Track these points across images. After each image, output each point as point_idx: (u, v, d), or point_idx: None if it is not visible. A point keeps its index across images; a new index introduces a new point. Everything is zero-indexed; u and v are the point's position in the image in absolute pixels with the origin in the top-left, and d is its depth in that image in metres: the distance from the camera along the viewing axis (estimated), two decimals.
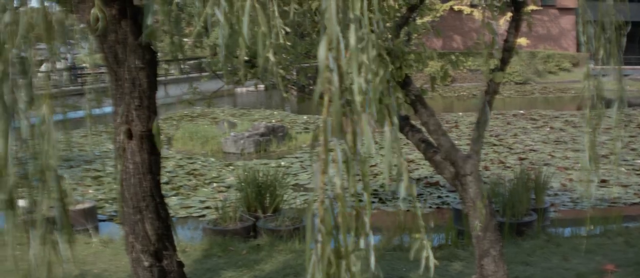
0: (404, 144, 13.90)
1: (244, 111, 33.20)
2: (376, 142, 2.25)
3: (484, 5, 6.24)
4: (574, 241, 9.99)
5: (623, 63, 4.58)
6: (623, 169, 16.18)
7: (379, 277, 2.22)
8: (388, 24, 6.00)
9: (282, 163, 18.47)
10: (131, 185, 5.47)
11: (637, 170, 16.49)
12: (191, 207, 13.93)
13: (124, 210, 5.55)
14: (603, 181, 14.96)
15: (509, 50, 6.14)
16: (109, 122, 20.50)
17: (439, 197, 14.33)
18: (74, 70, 35.79)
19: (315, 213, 2.18)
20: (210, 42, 6.84)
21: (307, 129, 25.75)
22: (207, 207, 13.68)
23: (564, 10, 58.79)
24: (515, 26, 6.10)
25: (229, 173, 17.07)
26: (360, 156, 2.18)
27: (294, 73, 7.45)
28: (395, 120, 2.33)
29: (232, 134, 21.42)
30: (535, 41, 56.16)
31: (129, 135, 5.39)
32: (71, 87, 32.70)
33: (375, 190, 14.54)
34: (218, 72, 7.57)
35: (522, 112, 31.22)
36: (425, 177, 16.00)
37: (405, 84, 6.14)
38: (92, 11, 3.10)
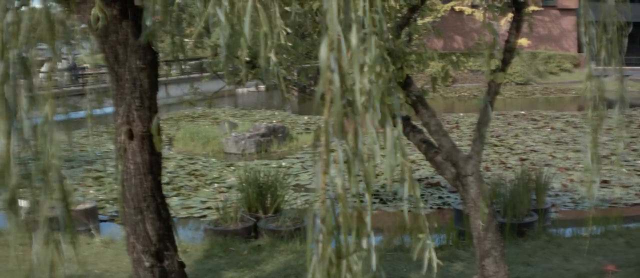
0: (405, 144, 13.89)
1: (245, 112, 33.22)
2: (376, 143, 2.26)
3: (485, 6, 6.23)
4: (575, 242, 9.99)
5: (624, 64, 4.58)
6: (624, 170, 16.18)
7: (381, 277, 2.22)
8: (389, 25, 6.00)
9: (283, 163, 18.47)
10: (132, 185, 5.47)
11: (638, 171, 16.48)
12: (192, 207, 13.93)
13: (125, 211, 5.56)
14: (604, 182, 14.96)
15: (510, 50, 6.14)
16: (110, 123, 20.49)
17: (440, 197, 14.33)
18: (74, 70, 35.81)
19: (316, 213, 2.18)
20: (211, 42, 6.84)
21: (308, 129, 25.76)
22: (208, 208, 13.68)
23: (565, 10, 58.78)
24: (516, 27, 6.11)
25: (230, 174, 17.07)
26: (362, 156, 2.18)
27: (295, 74, 7.45)
28: (399, 119, 2.33)
29: (233, 134, 21.42)
30: (536, 42, 56.16)
31: (130, 135, 5.39)
32: (72, 88, 32.71)
33: (376, 190, 14.55)
34: (219, 73, 7.57)
35: (523, 112, 31.22)
36: (426, 178, 16.00)
37: (406, 84, 6.14)
38: (93, 11, 3.10)
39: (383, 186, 14.85)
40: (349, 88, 2.10)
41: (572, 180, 15.61)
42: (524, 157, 18.95)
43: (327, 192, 2.13)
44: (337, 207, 2.17)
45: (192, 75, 38.32)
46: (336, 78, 2.00)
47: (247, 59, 6.15)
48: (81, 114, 13.44)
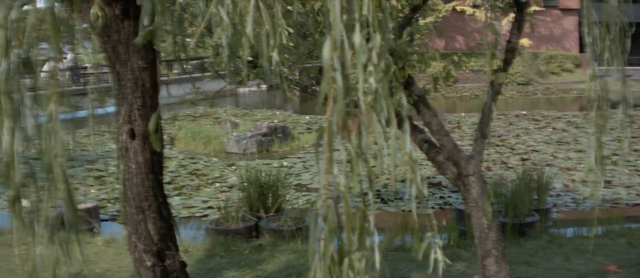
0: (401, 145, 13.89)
1: (247, 111, 33.23)
2: (376, 142, 2.26)
3: (487, 6, 6.23)
4: (576, 242, 9.99)
5: (626, 64, 4.58)
6: (625, 170, 16.18)
7: (386, 276, 2.22)
8: (391, 25, 6.00)
9: (285, 163, 18.48)
10: (134, 184, 5.48)
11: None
12: (194, 206, 13.94)
13: (127, 210, 5.56)
14: (606, 182, 14.95)
15: (511, 50, 6.15)
16: (111, 122, 20.54)
17: (442, 197, 14.33)
18: (76, 70, 35.81)
19: (319, 212, 2.18)
20: (213, 42, 6.84)
21: (309, 129, 25.76)
22: (210, 207, 13.69)
23: (567, 10, 58.75)
24: (517, 27, 6.11)
25: (232, 173, 17.07)
26: (365, 155, 2.18)
27: (297, 73, 7.47)
28: (405, 119, 2.34)
29: (234, 134, 21.43)
30: (538, 42, 56.14)
31: (132, 135, 5.40)
32: (73, 87, 32.71)
33: (377, 190, 14.55)
34: (221, 72, 7.58)
35: (524, 112, 31.20)
36: (428, 178, 16.00)
37: (408, 84, 6.14)
38: (92, 10, 3.10)
39: (385, 186, 14.85)
40: (353, 87, 2.10)
41: (573, 180, 15.61)
42: (525, 157, 18.95)
43: (330, 191, 2.14)
44: (339, 206, 2.17)
45: (193, 75, 38.34)
46: (339, 77, 2.00)
47: (249, 58, 6.16)
48: (82, 113, 13.49)
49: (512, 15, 6.27)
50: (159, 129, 5.41)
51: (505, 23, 7.65)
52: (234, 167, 17.97)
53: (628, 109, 4.57)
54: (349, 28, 2.08)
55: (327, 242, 2.13)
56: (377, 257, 2.23)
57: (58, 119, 2.70)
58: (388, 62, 2.23)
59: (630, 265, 8.37)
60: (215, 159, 19.43)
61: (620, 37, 4.34)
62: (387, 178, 15.16)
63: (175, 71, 40.16)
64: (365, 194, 2.26)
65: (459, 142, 14.32)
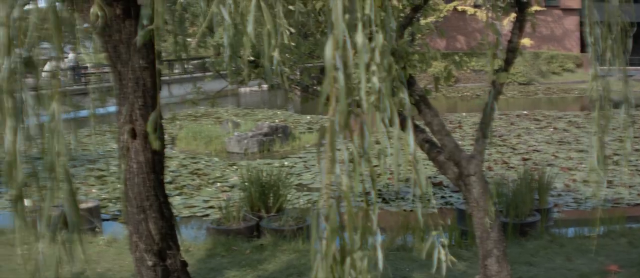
0: (405, 145, 13.89)
1: (248, 111, 33.23)
2: (378, 142, 2.26)
3: (488, 6, 6.23)
4: (578, 241, 9.99)
5: (628, 64, 4.58)
6: (627, 170, 16.17)
7: (388, 276, 2.23)
8: (393, 24, 6.00)
9: (286, 163, 18.47)
10: (135, 184, 5.48)
11: None
12: (195, 206, 13.94)
13: (128, 210, 5.56)
14: (607, 182, 14.94)
15: (513, 50, 6.15)
16: (112, 122, 20.55)
17: (443, 197, 14.33)
18: (77, 69, 35.82)
19: (321, 211, 2.18)
20: (214, 41, 6.84)
21: (310, 128, 25.75)
22: (211, 207, 13.69)
23: (568, 10, 58.71)
24: (519, 27, 6.11)
25: (233, 173, 17.07)
26: (368, 155, 2.18)
27: (298, 73, 7.46)
28: (408, 118, 2.34)
29: (235, 133, 21.42)
30: (539, 42, 56.11)
31: (133, 134, 5.40)
32: (74, 87, 32.71)
33: (379, 190, 14.54)
34: (222, 72, 7.58)
35: (525, 112, 31.19)
36: (429, 177, 15.96)
37: (409, 84, 6.14)
38: (92, 10, 3.10)
39: (386, 185, 14.85)
40: (355, 87, 2.10)
41: (574, 180, 15.61)
42: (526, 156, 18.95)
43: (332, 190, 2.14)
44: (341, 206, 2.17)
45: (194, 75, 38.34)
46: (341, 76, 2.00)
47: (252, 58, 6.16)
48: (83, 113, 13.51)
49: (513, 15, 6.27)
50: (160, 129, 5.42)
51: (507, 23, 7.63)
52: (235, 167, 17.97)
53: (630, 109, 4.57)
54: (351, 27, 2.08)
55: (329, 241, 2.13)
56: (380, 256, 2.23)
57: (60, 118, 2.70)
58: (390, 62, 2.23)
59: (632, 265, 8.37)
60: (216, 159, 19.43)
61: (622, 37, 4.34)
62: (389, 178, 15.17)
63: (177, 71, 40.17)
64: (368, 194, 2.26)
65: (460, 142, 14.34)
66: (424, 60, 6.48)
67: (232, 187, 15.40)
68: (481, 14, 51.63)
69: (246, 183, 11.76)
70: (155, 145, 5.22)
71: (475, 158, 6.13)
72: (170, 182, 15.64)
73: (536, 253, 9.29)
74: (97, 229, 11.33)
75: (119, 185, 14.02)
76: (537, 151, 19.94)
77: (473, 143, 6.30)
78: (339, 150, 2.11)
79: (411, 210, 13.03)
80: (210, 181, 16.44)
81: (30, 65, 2.69)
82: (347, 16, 2.05)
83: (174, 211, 6.05)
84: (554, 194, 13.72)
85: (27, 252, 2.77)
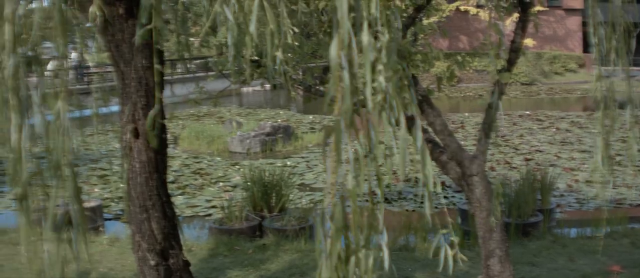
0: (410, 144, 13.90)
1: (250, 110, 33.21)
2: (381, 142, 2.25)
3: (491, 6, 6.23)
4: (580, 242, 9.99)
5: (631, 64, 4.58)
6: (629, 170, 16.15)
7: (393, 275, 2.23)
8: (399, 23, 6.00)
9: (288, 163, 18.46)
10: (137, 184, 5.48)
11: None
12: (197, 206, 13.94)
13: (131, 209, 5.56)
14: (604, 182, 14.92)
15: (515, 51, 6.14)
16: (115, 121, 20.54)
17: (445, 197, 14.32)
18: (80, 69, 35.84)
19: (326, 210, 2.18)
20: (217, 41, 6.84)
21: (313, 128, 25.75)
22: (213, 206, 13.68)
23: (570, 11, 58.66)
24: (522, 27, 6.10)
25: (235, 173, 17.07)
26: (375, 154, 2.18)
27: (300, 73, 7.46)
28: (416, 118, 2.34)
29: (238, 133, 21.42)
30: (542, 42, 56.06)
31: (136, 134, 5.40)
32: (77, 86, 32.73)
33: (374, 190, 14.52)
34: (224, 72, 7.58)
35: (528, 112, 31.17)
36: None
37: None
38: (91, 9, 3.11)
39: (388, 185, 14.85)
40: (361, 86, 2.10)
41: (577, 181, 15.61)
42: (529, 157, 18.94)
43: (336, 190, 2.14)
44: (346, 205, 2.17)
45: (197, 74, 38.34)
46: (346, 76, 2.00)
47: (255, 58, 6.16)
48: (86, 112, 13.50)
49: (515, 15, 6.26)
50: (162, 128, 5.42)
51: (509, 23, 7.66)
52: (237, 167, 17.97)
53: (634, 109, 4.57)
54: (357, 26, 2.08)
55: (334, 240, 2.13)
56: (386, 255, 2.22)
57: (66, 116, 2.70)
58: (396, 61, 2.23)
59: (634, 266, 8.37)
60: (218, 159, 19.43)
61: (625, 37, 4.34)
62: (394, 181, 15.17)
63: (179, 70, 40.18)
64: (373, 193, 2.26)
65: (462, 142, 14.32)
66: (427, 60, 6.48)
67: (235, 186, 15.40)
68: (484, 14, 51.61)
69: (249, 183, 11.76)
70: (154, 143, 5.22)
71: (477, 158, 6.13)
72: (172, 182, 15.65)
73: (539, 254, 9.28)
74: (100, 228, 11.34)
75: (121, 185, 14.05)
76: (540, 151, 19.93)
77: (475, 144, 6.29)
78: (344, 148, 2.11)
79: (413, 210, 13.03)
80: (213, 181, 16.44)
81: (35, 64, 2.69)
82: (352, 15, 2.05)
83: (177, 211, 6.05)
84: (557, 194, 13.71)
85: (31, 251, 2.76)
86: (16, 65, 2.60)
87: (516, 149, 20.39)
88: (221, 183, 16.08)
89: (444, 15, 51.12)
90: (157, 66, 3.31)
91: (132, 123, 5.37)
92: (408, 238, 10.55)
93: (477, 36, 56.53)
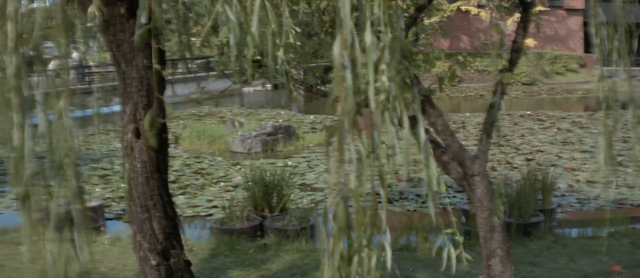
0: (412, 144, 13.91)
1: (251, 110, 33.23)
2: (382, 142, 2.26)
3: (492, 6, 6.22)
4: (581, 242, 9.99)
5: (633, 64, 4.58)
6: (630, 170, 16.15)
7: (396, 275, 2.23)
8: (402, 22, 6.00)
9: (289, 163, 18.47)
10: (139, 183, 5.47)
11: None
12: (198, 206, 13.94)
13: (132, 209, 5.56)
14: (612, 182, 14.92)
15: (517, 51, 6.14)
16: (116, 121, 20.54)
17: (446, 197, 14.32)
18: (81, 68, 35.88)
19: (329, 209, 2.19)
20: (219, 41, 6.84)
21: (314, 128, 25.76)
22: (214, 206, 13.69)
23: (572, 11, 58.68)
24: (523, 27, 6.10)
25: (236, 173, 17.08)
26: (378, 154, 2.18)
27: (301, 73, 7.46)
28: (419, 117, 2.34)
29: (239, 133, 21.43)
30: (543, 42, 56.06)
31: (137, 134, 5.39)
32: (78, 86, 32.75)
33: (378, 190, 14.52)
34: (226, 72, 7.58)
35: (529, 112, 31.16)
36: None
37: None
38: (90, 9, 3.10)
39: (389, 185, 14.84)
40: (363, 86, 2.10)
41: (578, 181, 15.60)
42: (530, 157, 18.93)
43: (339, 189, 2.14)
44: (348, 205, 2.17)
45: (198, 74, 38.37)
46: (349, 75, 2.00)
47: (257, 57, 6.16)
48: (87, 112, 13.50)
49: (517, 15, 6.26)
50: (162, 127, 5.42)
51: (510, 23, 7.66)
52: (238, 167, 17.98)
53: (636, 109, 4.57)
54: (360, 26, 2.08)
55: (337, 240, 2.13)
56: (389, 255, 2.22)
57: (68, 115, 2.70)
58: (399, 60, 2.23)
59: (635, 266, 8.36)
60: (219, 158, 19.44)
61: (627, 38, 4.34)
62: (397, 180, 15.17)
63: (180, 70, 40.21)
64: (377, 193, 2.26)
65: (463, 142, 14.33)
66: (428, 60, 6.49)
67: (236, 186, 15.41)
68: (485, 14, 51.61)
69: (250, 183, 11.77)
70: (152, 142, 5.21)
71: (479, 158, 6.13)
72: (173, 182, 15.65)
73: (540, 254, 9.28)
74: (101, 228, 11.35)
75: (122, 184, 14.05)
76: (541, 151, 19.93)
77: (477, 144, 6.30)
78: (347, 147, 2.11)
79: (415, 210, 13.03)
80: (214, 181, 16.45)
81: (37, 63, 2.69)
82: (355, 14, 2.05)
83: (178, 210, 6.04)
84: (558, 194, 13.71)
85: (33, 250, 2.76)
86: (19, 64, 2.60)
87: (517, 149, 20.39)
88: (222, 183, 16.09)
89: (445, 15, 51.13)
90: (155, 66, 3.30)
91: (134, 123, 5.37)
92: (409, 238, 10.55)
93: (478, 36, 56.55)
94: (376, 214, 2.25)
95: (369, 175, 2.16)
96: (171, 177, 14.26)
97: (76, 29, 2.94)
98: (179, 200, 14.07)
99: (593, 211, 12.97)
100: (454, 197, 14.23)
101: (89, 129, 24.93)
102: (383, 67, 2.12)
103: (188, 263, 5.88)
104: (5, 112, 2.64)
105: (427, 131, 6.47)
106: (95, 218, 11.50)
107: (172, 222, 5.68)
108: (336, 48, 2.01)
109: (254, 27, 2.30)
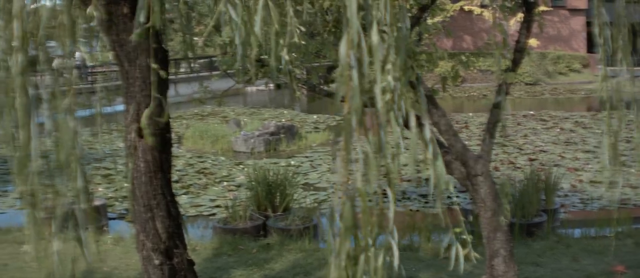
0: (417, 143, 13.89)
1: (254, 110, 33.21)
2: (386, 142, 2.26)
3: (496, 6, 6.23)
4: (584, 242, 9.98)
5: (636, 64, 4.58)
6: (633, 170, 16.13)
7: (401, 275, 2.23)
8: (399, 24, 5.99)
9: (292, 162, 18.47)
10: (142, 183, 5.48)
11: None
12: (201, 205, 13.95)
13: (135, 208, 5.56)
14: (614, 182, 14.87)
15: (520, 51, 6.14)
16: (119, 120, 20.60)
17: (449, 197, 14.30)
18: (84, 68, 35.85)
19: (335, 208, 2.19)
20: (222, 40, 6.85)
21: (317, 128, 25.74)
22: (217, 206, 13.69)
23: (574, 11, 58.59)
24: (526, 27, 6.10)
25: (239, 172, 17.08)
26: (385, 152, 2.18)
27: (305, 72, 7.46)
28: (425, 114, 2.34)
29: (242, 133, 21.42)
30: (545, 42, 55.96)
31: (140, 133, 5.40)
32: (81, 85, 32.74)
33: (384, 190, 14.51)
34: (229, 71, 7.58)
35: (532, 112, 31.12)
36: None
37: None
38: (88, 9, 3.11)
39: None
40: (368, 85, 2.10)
41: (581, 181, 15.59)
42: (533, 157, 18.92)
43: (346, 189, 2.14)
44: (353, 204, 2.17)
45: (201, 74, 38.36)
46: (355, 75, 2.00)
47: (262, 56, 6.16)
48: (90, 111, 13.52)
49: (520, 15, 6.26)
50: (166, 126, 5.42)
51: (513, 23, 7.64)
52: (241, 166, 17.98)
53: (639, 109, 4.57)
54: (367, 26, 2.08)
55: (343, 239, 2.13)
56: (396, 254, 2.23)
57: (74, 114, 2.70)
58: (405, 60, 2.23)
59: (638, 266, 8.35)
60: (222, 158, 19.44)
61: (630, 38, 4.34)
62: (399, 179, 15.15)
63: (183, 70, 40.19)
64: (384, 192, 2.26)
65: (466, 142, 14.31)
66: (432, 60, 6.49)
67: (239, 186, 15.41)
68: (488, 14, 51.54)
69: (253, 183, 11.78)
70: (149, 140, 5.22)
71: (482, 158, 6.13)
72: (176, 181, 15.64)
73: (543, 254, 9.28)
74: (104, 228, 11.36)
75: (125, 184, 14.05)
76: (544, 151, 19.91)
77: (479, 144, 6.30)
78: (354, 148, 2.11)
79: (417, 210, 13.02)
80: (217, 180, 16.45)
81: (42, 62, 2.69)
82: (361, 13, 2.05)
83: (181, 210, 6.04)
84: (561, 195, 13.70)
85: (38, 249, 2.76)
86: (24, 62, 2.60)
87: (520, 149, 20.38)
88: (225, 183, 16.09)
89: (448, 15, 51.05)
90: (153, 65, 3.30)
91: (137, 122, 5.37)
92: (412, 238, 10.55)
93: (481, 36, 56.46)
94: (383, 214, 2.25)
95: (376, 175, 2.17)
96: (174, 177, 14.25)
97: (80, 29, 2.95)
98: (182, 199, 14.07)
99: (596, 211, 12.96)
100: (457, 196, 14.22)
101: (92, 129, 24.92)
102: (388, 66, 2.12)
103: (191, 263, 5.88)
104: (10, 110, 2.64)
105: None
106: (98, 218, 11.50)
107: (175, 222, 5.68)
108: (343, 47, 2.01)
109: (258, 27, 2.31)
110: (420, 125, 2.36)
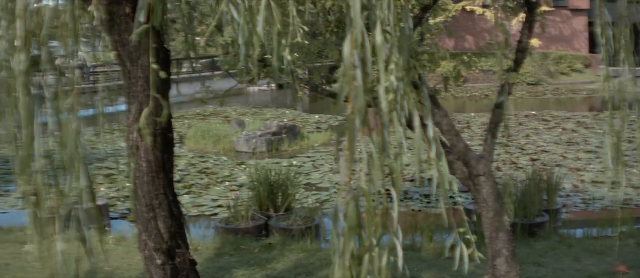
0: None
1: (256, 110, 33.22)
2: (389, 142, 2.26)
3: (498, 6, 6.23)
4: (586, 242, 9.97)
5: (638, 64, 4.58)
6: (635, 170, 16.12)
7: (405, 275, 2.23)
8: (401, 24, 5.99)
9: (294, 162, 18.47)
10: (144, 183, 5.48)
11: None
12: (203, 205, 13.95)
13: (137, 208, 5.56)
14: (616, 182, 14.88)
15: (522, 51, 6.14)
16: (121, 120, 20.61)
17: (451, 197, 14.26)
18: (86, 67, 35.87)
19: (340, 208, 2.19)
20: (224, 40, 6.85)
21: (319, 128, 25.75)
22: (219, 206, 13.70)
23: (576, 11, 58.57)
24: (528, 27, 6.10)
25: (241, 172, 17.09)
26: (388, 152, 2.18)
27: (307, 72, 7.46)
28: (428, 114, 2.34)
29: (244, 132, 21.43)
30: (547, 42, 55.95)
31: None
32: (83, 85, 32.75)
33: (387, 189, 14.52)
34: (231, 71, 7.58)
35: (534, 112, 31.12)
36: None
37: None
38: (89, 9, 3.11)
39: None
40: (373, 85, 2.10)
41: (583, 181, 15.58)
42: (535, 157, 18.91)
43: (349, 188, 2.14)
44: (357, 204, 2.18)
45: (203, 74, 38.36)
46: (359, 74, 2.00)
47: (264, 56, 6.16)
48: (92, 111, 13.52)
49: (521, 15, 6.26)
50: (168, 126, 5.42)
51: (515, 23, 7.65)
52: (243, 166, 17.98)
53: None
54: (370, 26, 2.08)
55: (347, 239, 2.13)
56: (401, 254, 2.23)
57: (77, 113, 2.70)
58: (408, 60, 2.23)
59: None
60: (224, 158, 19.45)
61: (632, 37, 4.34)
62: (401, 179, 15.16)
63: (185, 69, 40.21)
64: (387, 192, 2.26)
65: (468, 142, 14.31)
66: (433, 60, 6.49)
67: (241, 186, 15.41)
68: (490, 14, 51.50)
69: (255, 183, 11.78)
70: (148, 140, 5.22)
71: (484, 158, 6.13)
72: (178, 181, 15.65)
73: (544, 254, 9.28)
74: (106, 227, 11.37)
75: (127, 184, 14.06)
76: (546, 151, 19.91)
77: (482, 144, 6.30)
78: (358, 147, 2.11)
79: (419, 210, 13.02)
80: (219, 180, 16.46)
81: (44, 62, 2.69)
82: (364, 13, 2.05)
83: (183, 210, 6.04)
84: (563, 195, 13.70)
85: (40, 248, 2.77)
86: (27, 62, 2.60)
87: (522, 149, 20.37)
88: (227, 183, 16.10)
89: (450, 15, 51.03)
90: (153, 65, 3.30)
91: (139, 122, 5.37)
92: (414, 238, 10.55)
93: (483, 36, 56.47)
94: (387, 213, 2.25)
95: (379, 175, 2.17)
96: (176, 177, 14.26)
97: (79, 28, 2.95)
98: (184, 199, 14.08)
99: (598, 211, 12.96)
100: (459, 197, 14.19)
101: (94, 128, 24.94)
102: (392, 66, 2.12)
103: (193, 263, 5.88)
104: (13, 110, 2.64)
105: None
106: (100, 218, 11.51)
107: (177, 221, 5.68)
108: (347, 47, 2.01)
109: (260, 27, 2.31)
110: (423, 125, 2.36)
